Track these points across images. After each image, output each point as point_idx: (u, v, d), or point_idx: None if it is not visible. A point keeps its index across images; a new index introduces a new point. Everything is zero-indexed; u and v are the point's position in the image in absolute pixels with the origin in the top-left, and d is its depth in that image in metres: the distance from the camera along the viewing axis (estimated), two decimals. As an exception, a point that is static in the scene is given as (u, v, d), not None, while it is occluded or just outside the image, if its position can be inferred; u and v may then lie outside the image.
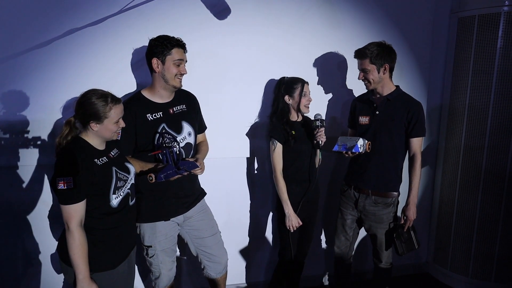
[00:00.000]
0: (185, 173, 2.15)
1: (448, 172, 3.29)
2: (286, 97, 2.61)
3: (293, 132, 2.59)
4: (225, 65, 2.79)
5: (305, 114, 2.71)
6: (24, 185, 2.56)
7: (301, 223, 2.61)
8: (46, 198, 2.60)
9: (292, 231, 2.61)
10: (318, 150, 2.59)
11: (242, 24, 2.76)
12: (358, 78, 2.57)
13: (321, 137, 2.52)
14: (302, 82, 2.61)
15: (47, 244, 2.66)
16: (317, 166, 2.75)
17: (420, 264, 3.65)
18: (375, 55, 2.46)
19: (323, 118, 2.57)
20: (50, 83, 2.46)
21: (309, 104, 2.63)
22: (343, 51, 3.00)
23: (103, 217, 1.93)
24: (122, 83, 2.56)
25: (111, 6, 2.49)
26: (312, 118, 2.57)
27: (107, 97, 1.87)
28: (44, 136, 2.51)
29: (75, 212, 1.80)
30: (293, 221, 2.58)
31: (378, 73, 2.50)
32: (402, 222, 2.61)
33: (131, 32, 2.54)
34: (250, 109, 2.91)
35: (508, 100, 2.92)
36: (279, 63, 2.87)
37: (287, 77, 2.68)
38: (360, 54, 2.51)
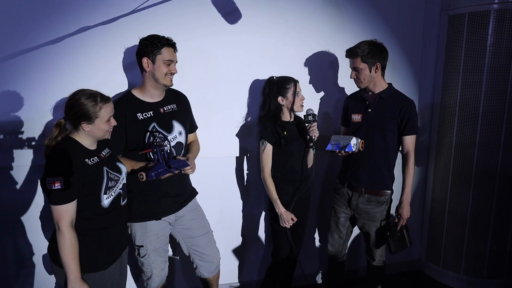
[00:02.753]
0: (176, 172, 2.15)
1: (440, 169, 3.30)
2: (279, 98, 2.58)
3: (285, 133, 2.58)
4: (216, 65, 2.78)
5: (297, 113, 2.70)
6: (17, 186, 2.54)
7: (295, 218, 2.59)
8: (38, 199, 2.59)
9: (288, 227, 2.60)
10: (311, 149, 2.58)
11: (234, 24, 2.75)
12: (350, 77, 2.57)
13: (314, 132, 2.51)
14: (294, 82, 2.59)
15: (40, 245, 2.64)
16: (311, 164, 2.75)
17: (412, 262, 3.67)
18: (366, 53, 2.46)
19: (315, 113, 2.57)
20: (42, 84, 2.44)
21: (303, 102, 2.62)
22: (334, 50, 3.01)
23: (94, 217, 1.92)
24: (114, 83, 2.55)
25: (101, 6, 2.47)
26: (304, 114, 2.57)
27: (96, 97, 1.86)
28: (37, 137, 2.49)
29: (66, 212, 1.79)
30: (286, 218, 2.57)
31: (370, 71, 2.49)
32: (396, 220, 2.62)
33: (123, 32, 2.52)
34: (242, 108, 2.91)
35: (498, 97, 2.94)
36: (270, 62, 2.88)
37: (275, 76, 2.65)
38: (351, 53, 2.51)
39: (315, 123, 2.53)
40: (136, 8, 2.51)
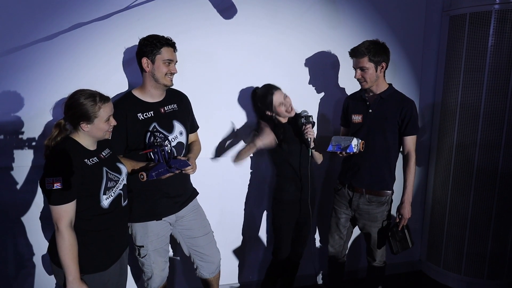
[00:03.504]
0: (177, 171, 2.14)
1: (441, 170, 3.30)
2: (267, 112, 2.61)
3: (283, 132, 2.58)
4: (217, 65, 2.78)
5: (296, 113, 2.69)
6: (17, 187, 2.53)
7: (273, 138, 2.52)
8: (38, 200, 2.58)
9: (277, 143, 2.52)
10: (311, 150, 2.57)
11: (235, 24, 2.75)
12: (355, 77, 2.54)
13: (308, 134, 2.49)
14: (271, 93, 2.56)
15: (40, 245, 2.64)
16: (319, 162, 2.76)
17: (413, 262, 3.66)
18: (373, 53, 2.44)
19: (309, 114, 2.53)
20: (42, 84, 2.44)
21: (289, 109, 2.58)
22: (335, 50, 3.00)
23: (94, 218, 1.91)
24: (114, 83, 2.55)
25: (101, 5, 2.47)
26: (297, 113, 2.56)
27: (95, 97, 1.86)
28: (37, 137, 2.49)
29: (65, 212, 1.78)
30: (266, 139, 2.50)
31: (376, 71, 2.48)
32: (398, 220, 2.61)
33: (123, 32, 2.52)
34: (243, 108, 2.90)
35: (499, 98, 2.93)
36: (272, 62, 2.87)
37: (258, 87, 2.67)
38: (357, 52, 2.48)
39: (310, 125, 2.50)
40: (132, 4, 2.49)
